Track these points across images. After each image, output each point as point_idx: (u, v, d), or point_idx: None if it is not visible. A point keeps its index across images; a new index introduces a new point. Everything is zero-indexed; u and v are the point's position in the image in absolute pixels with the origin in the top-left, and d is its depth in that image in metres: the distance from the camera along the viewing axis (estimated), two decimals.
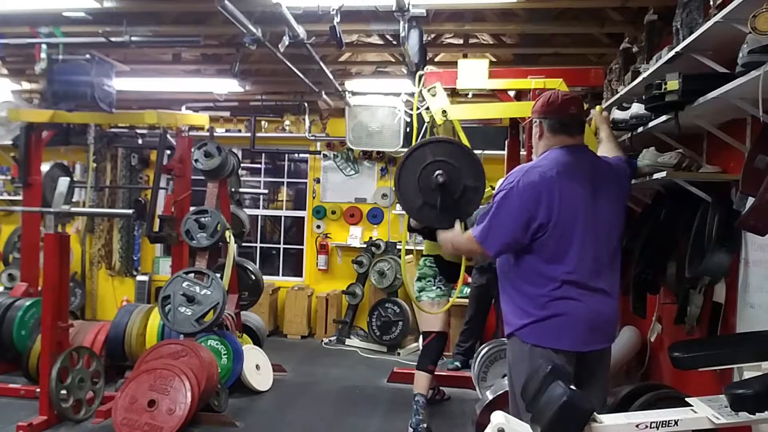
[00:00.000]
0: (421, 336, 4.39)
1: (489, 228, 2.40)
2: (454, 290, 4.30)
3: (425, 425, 3.99)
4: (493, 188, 2.97)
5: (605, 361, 2.49)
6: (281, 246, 7.97)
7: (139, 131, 7.34)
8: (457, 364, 5.71)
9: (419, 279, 4.22)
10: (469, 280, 5.70)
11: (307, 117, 7.15)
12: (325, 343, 6.85)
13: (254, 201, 8.04)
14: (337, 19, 3.73)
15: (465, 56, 5.53)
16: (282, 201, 8.22)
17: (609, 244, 2.41)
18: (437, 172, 2.89)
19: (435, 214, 3.03)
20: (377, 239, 7.11)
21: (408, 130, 6.33)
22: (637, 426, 1.83)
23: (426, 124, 3.82)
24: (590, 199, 2.37)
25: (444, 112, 3.76)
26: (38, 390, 4.06)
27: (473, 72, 3.87)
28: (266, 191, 8.00)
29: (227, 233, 4.82)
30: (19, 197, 6.27)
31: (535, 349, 2.31)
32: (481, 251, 2.47)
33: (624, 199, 2.61)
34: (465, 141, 3.68)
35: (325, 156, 7.51)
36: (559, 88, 3.47)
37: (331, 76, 5.40)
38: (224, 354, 4.57)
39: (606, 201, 2.43)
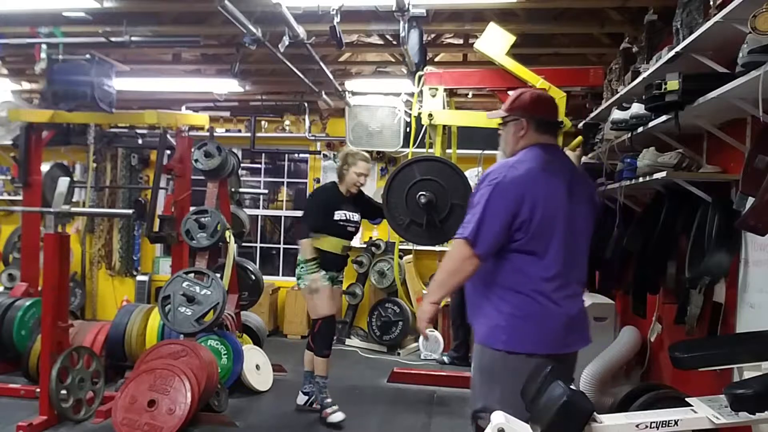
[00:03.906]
0: (312, 323, 4.40)
1: (478, 228, 2.21)
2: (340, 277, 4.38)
3: (330, 400, 4.20)
4: None
5: (573, 364, 2.42)
6: (281, 246, 7.96)
7: (139, 131, 7.35)
8: (444, 359, 6.06)
9: (298, 264, 4.26)
10: None
11: (307, 117, 7.15)
12: None
13: (254, 201, 8.04)
14: (337, 19, 3.73)
15: (465, 56, 5.54)
16: (282, 201, 8.22)
17: (581, 244, 2.35)
18: (420, 193, 2.90)
19: (421, 232, 3.06)
20: (377, 239, 7.10)
21: (408, 130, 6.34)
22: (637, 426, 1.83)
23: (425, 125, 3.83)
24: (567, 198, 2.29)
25: (430, 115, 3.78)
26: (38, 390, 4.06)
27: (497, 40, 3.81)
28: (266, 191, 7.99)
29: (227, 233, 4.82)
30: (19, 197, 6.28)
31: (509, 357, 2.19)
32: (471, 253, 2.21)
33: (595, 210, 2.48)
34: (454, 141, 3.65)
35: (325, 156, 7.51)
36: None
37: (331, 76, 5.40)
38: (224, 354, 4.57)
39: (580, 202, 2.35)
